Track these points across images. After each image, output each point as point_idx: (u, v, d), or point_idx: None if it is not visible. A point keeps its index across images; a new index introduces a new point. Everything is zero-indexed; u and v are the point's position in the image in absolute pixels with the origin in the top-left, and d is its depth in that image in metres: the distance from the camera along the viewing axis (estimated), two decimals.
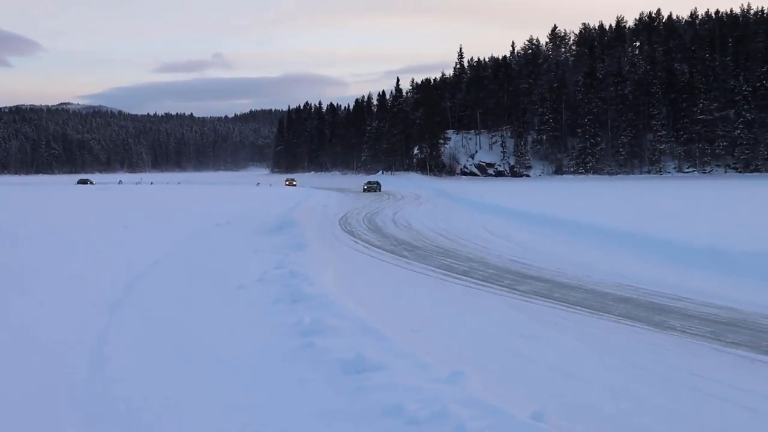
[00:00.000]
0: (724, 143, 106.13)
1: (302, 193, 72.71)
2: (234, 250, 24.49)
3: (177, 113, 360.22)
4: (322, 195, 72.15)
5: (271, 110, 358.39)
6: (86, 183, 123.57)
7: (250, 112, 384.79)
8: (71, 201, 62.05)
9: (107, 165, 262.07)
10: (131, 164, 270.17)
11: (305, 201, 58.08)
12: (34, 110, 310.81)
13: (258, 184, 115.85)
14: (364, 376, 8.72)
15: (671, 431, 7.89)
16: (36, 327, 12.20)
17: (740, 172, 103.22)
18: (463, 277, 18.96)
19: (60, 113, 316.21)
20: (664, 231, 24.53)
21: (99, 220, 37.94)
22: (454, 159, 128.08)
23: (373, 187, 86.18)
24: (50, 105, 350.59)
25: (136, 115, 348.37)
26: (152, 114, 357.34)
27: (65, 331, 12.02)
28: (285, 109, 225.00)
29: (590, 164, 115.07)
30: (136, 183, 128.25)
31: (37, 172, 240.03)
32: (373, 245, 27.30)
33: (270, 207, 49.38)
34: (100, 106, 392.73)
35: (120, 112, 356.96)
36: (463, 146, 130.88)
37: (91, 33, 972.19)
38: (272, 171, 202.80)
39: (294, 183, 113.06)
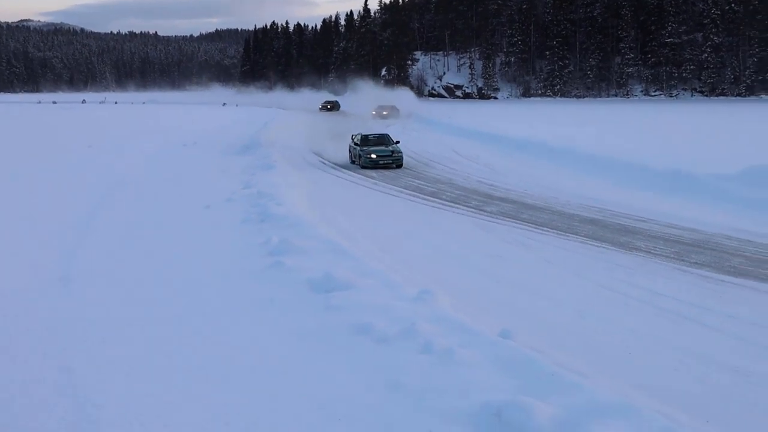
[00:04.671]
0: (691, 67, 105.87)
1: (268, 114, 71.88)
2: (201, 170, 24.29)
3: (141, 32, 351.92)
4: (289, 115, 71.37)
5: (237, 30, 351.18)
6: (330, 107, 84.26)
7: (216, 31, 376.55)
8: (34, 120, 61.01)
9: (70, 84, 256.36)
10: (95, 83, 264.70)
11: (272, 121, 57.49)
12: None
13: (224, 104, 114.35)
14: (332, 295, 8.72)
15: (635, 348, 8.05)
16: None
17: (706, 95, 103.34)
18: (432, 198, 18.98)
19: (20, 30, 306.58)
20: (629, 154, 24.47)
21: (63, 139, 37.40)
22: (422, 80, 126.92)
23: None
24: (10, 22, 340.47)
25: (99, 33, 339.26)
26: (116, 32, 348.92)
27: (35, 249, 12.02)
28: (252, 28, 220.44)
29: (558, 87, 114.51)
30: (100, 102, 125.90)
31: None
32: (340, 166, 27.16)
33: (237, 127, 48.87)
34: (61, 23, 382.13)
35: (82, 30, 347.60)
36: (431, 68, 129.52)
37: None
38: (239, 91, 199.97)
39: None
